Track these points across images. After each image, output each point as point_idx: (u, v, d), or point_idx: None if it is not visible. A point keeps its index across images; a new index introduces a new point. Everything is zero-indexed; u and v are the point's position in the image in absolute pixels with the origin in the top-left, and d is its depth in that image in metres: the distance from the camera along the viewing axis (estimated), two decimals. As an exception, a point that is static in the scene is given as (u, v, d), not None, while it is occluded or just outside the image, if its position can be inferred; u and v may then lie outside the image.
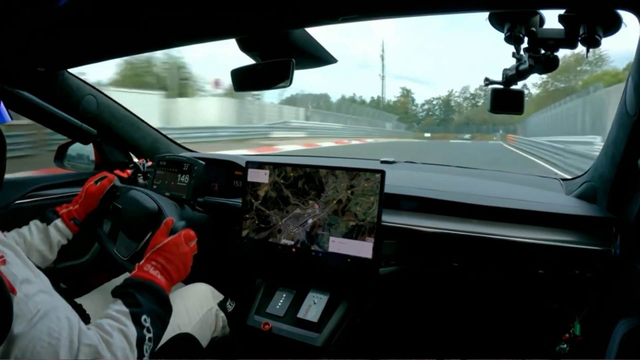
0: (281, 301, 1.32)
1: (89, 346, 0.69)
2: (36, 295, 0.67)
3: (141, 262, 0.94)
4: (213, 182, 1.65)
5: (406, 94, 78.27)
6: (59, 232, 1.18)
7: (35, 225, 1.16)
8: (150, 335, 0.80)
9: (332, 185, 1.28)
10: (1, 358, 0.62)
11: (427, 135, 47.16)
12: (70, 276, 1.49)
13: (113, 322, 0.77)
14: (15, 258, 0.69)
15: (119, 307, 0.80)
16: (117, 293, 0.85)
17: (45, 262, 1.16)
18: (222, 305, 1.30)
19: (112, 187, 1.32)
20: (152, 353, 0.81)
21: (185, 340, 1.10)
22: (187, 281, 1.42)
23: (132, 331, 0.77)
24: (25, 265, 0.70)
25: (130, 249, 1.22)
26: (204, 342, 1.20)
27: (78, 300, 1.10)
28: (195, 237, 1.06)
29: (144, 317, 0.80)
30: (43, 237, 1.16)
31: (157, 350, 1.01)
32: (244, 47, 1.03)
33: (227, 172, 1.65)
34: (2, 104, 0.91)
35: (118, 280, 1.22)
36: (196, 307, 1.21)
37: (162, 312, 0.86)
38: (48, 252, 1.16)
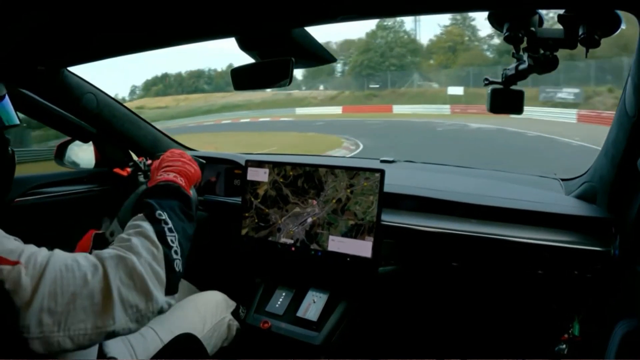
0: (280, 300, 1.32)
1: (110, 258, 0.68)
2: (37, 255, 0.65)
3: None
4: (213, 181, 1.66)
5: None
6: None
7: None
8: (170, 226, 0.76)
9: (332, 184, 1.28)
10: (32, 297, 0.61)
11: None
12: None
13: (130, 229, 0.76)
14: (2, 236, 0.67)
15: (135, 217, 0.78)
16: (135, 208, 0.83)
17: None
18: (235, 313, 1.30)
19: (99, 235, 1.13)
20: (183, 242, 0.78)
21: (187, 340, 1.10)
22: (201, 286, 1.43)
23: (148, 227, 0.74)
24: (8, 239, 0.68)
25: None
26: (213, 350, 1.20)
27: None
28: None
29: (157, 212, 0.77)
30: None
31: (158, 351, 1.02)
32: (244, 46, 1.03)
33: (227, 171, 1.66)
34: (11, 105, 0.91)
35: None
36: (210, 316, 1.21)
37: (179, 201, 0.83)
38: None
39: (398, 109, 25.80)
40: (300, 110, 30.43)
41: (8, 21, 0.81)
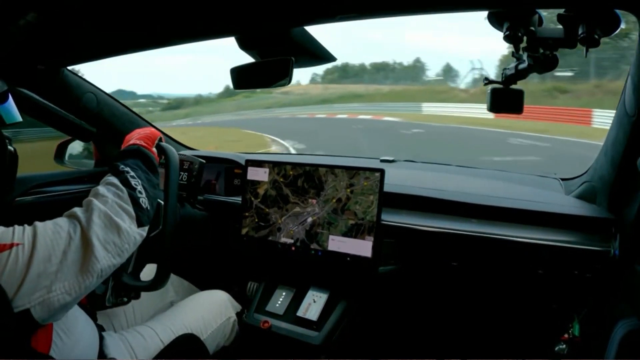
0: (281, 299, 1.33)
1: (80, 209, 0.77)
2: (23, 227, 0.71)
3: None
4: (213, 180, 1.66)
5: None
6: None
7: None
8: (132, 174, 0.87)
9: (332, 184, 1.28)
10: (28, 268, 0.66)
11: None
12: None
13: (98, 185, 0.85)
14: None
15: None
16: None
17: None
18: (240, 315, 1.30)
19: None
20: (147, 187, 0.88)
21: (187, 340, 1.10)
22: (202, 287, 1.43)
23: (112, 179, 0.85)
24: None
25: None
26: (215, 350, 1.20)
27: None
28: None
29: (120, 167, 0.87)
30: None
31: (159, 352, 1.02)
32: (243, 45, 1.03)
33: (227, 171, 1.66)
34: (13, 102, 0.91)
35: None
36: (214, 316, 1.21)
37: (140, 158, 0.93)
38: None
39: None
40: (434, 107, 19.35)
41: (8, 20, 0.81)
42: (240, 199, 1.43)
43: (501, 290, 1.31)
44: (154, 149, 1.01)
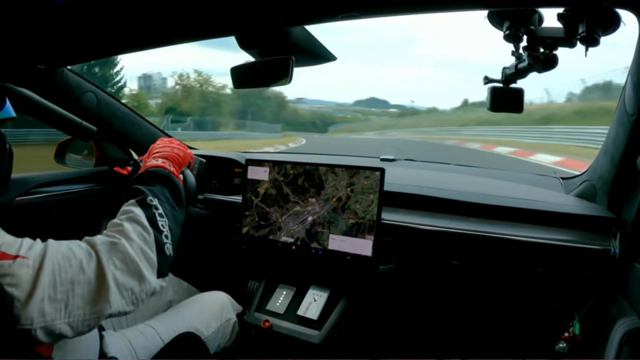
0: (281, 298, 1.33)
1: (103, 244, 0.70)
2: (34, 246, 0.67)
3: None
4: (213, 180, 1.66)
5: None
6: None
7: None
8: (160, 211, 0.79)
9: (332, 183, 1.29)
10: (34, 288, 0.62)
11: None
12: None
13: (121, 215, 0.78)
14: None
15: (127, 203, 0.81)
16: (127, 194, 0.84)
17: None
18: (240, 315, 1.30)
19: None
20: (173, 227, 0.81)
21: (188, 339, 1.10)
22: (202, 287, 1.43)
23: (140, 213, 0.77)
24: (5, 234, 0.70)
25: None
26: (215, 349, 1.20)
27: None
28: None
29: (149, 198, 0.80)
30: None
31: (159, 350, 1.02)
32: (244, 44, 1.03)
33: (227, 170, 1.66)
34: (7, 99, 0.92)
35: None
36: (214, 316, 1.21)
37: (168, 188, 0.86)
38: None
39: None
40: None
41: (8, 19, 0.81)
42: (240, 198, 1.43)
43: (501, 289, 1.31)
44: (181, 175, 0.94)
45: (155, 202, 0.80)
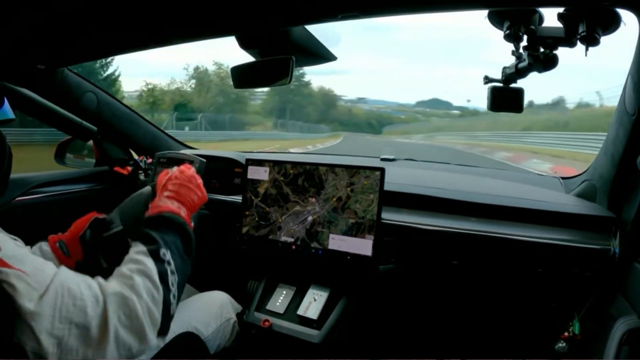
0: (281, 298, 1.33)
1: (113, 295, 0.68)
2: (43, 269, 0.66)
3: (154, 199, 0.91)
4: (213, 179, 1.66)
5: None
6: (42, 255, 1.01)
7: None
8: (172, 267, 0.77)
9: (332, 183, 1.28)
10: (33, 315, 0.61)
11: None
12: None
13: (132, 265, 0.75)
14: (9, 241, 0.68)
15: (137, 249, 0.77)
16: (136, 236, 0.81)
17: None
18: (240, 315, 1.30)
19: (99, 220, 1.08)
20: (181, 283, 0.78)
21: (188, 338, 1.10)
22: (201, 287, 1.43)
23: (152, 267, 0.74)
24: (22, 248, 0.70)
25: None
26: (215, 349, 1.19)
27: None
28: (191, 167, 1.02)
29: (162, 251, 0.77)
30: None
31: (159, 350, 1.01)
32: (244, 44, 1.03)
33: (227, 169, 1.66)
34: (6, 100, 0.91)
35: None
36: (214, 316, 1.20)
37: (181, 239, 0.83)
38: None
39: None
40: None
41: (8, 19, 0.81)
42: (240, 197, 1.43)
43: (501, 288, 1.31)
44: (192, 222, 0.90)
45: (168, 256, 0.77)
